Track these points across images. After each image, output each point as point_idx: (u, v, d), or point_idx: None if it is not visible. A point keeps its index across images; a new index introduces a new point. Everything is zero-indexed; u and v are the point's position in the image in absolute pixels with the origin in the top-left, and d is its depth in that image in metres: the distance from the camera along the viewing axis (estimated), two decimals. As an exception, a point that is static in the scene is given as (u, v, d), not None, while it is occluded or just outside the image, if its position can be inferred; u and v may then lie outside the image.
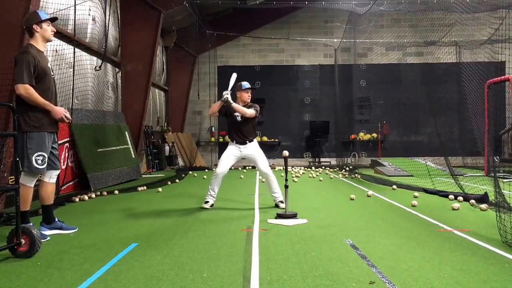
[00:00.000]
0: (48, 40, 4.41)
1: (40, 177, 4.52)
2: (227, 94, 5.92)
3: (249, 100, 6.27)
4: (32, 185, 4.36)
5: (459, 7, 9.51)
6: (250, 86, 6.25)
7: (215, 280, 3.01)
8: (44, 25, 4.30)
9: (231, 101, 5.99)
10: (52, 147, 4.47)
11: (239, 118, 6.14)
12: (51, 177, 4.57)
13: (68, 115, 4.43)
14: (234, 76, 6.10)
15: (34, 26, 4.26)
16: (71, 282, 3.02)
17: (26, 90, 4.11)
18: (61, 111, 4.37)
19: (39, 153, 4.23)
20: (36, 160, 4.21)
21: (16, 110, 3.91)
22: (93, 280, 3.04)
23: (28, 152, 4.19)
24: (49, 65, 4.43)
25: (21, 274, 3.21)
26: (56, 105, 4.49)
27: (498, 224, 4.15)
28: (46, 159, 4.31)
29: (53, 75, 4.50)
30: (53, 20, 4.45)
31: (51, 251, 3.84)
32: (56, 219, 4.62)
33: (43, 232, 4.38)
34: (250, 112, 6.09)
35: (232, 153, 6.21)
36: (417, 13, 14.72)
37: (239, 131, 6.18)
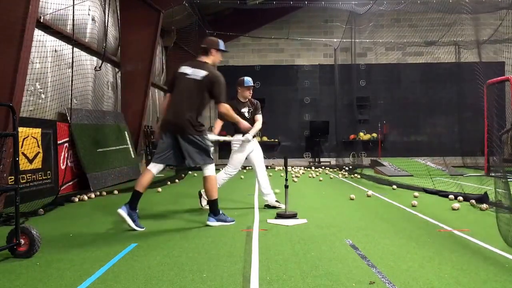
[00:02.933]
0: (214, 65, 5.13)
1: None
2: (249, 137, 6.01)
3: (250, 97, 6.17)
4: (215, 173, 5.03)
5: (458, 7, 9.51)
6: (252, 84, 6.14)
7: (215, 280, 3.01)
8: (219, 53, 5.12)
9: (248, 138, 6.00)
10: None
11: (247, 114, 6.13)
12: (156, 169, 4.90)
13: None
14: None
15: (213, 50, 5.05)
16: (71, 282, 3.02)
17: (227, 108, 4.99)
18: (247, 124, 5.50)
19: (212, 148, 5.00)
20: (212, 153, 4.97)
21: (196, 116, 4.77)
22: (92, 280, 3.03)
23: (209, 149, 4.89)
24: None
25: (20, 274, 3.21)
26: None
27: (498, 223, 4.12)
28: None
29: None
30: (225, 52, 5.32)
31: (51, 251, 3.83)
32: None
33: (120, 211, 4.65)
34: (261, 121, 6.18)
35: (246, 151, 6.11)
36: (417, 13, 14.73)
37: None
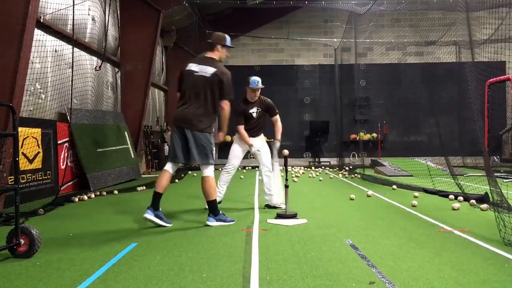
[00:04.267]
0: (221, 60, 5.07)
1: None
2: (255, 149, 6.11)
3: (256, 98, 6.13)
4: (213, 175, 4.98)
5: (459, 6, 9.48)
6: (257, 86, 6.06)
7: (214, 280, 3.01)
8: (225, 49, 5.07)
9: (277, 146, 6.23)
10: None
11: (255, 115, 6.15)
12: (173, 169, 5.02)
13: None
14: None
15: (218, 46, 5.01)
16: (71, 282, 3.02)
17: (228, 106, 4.93)
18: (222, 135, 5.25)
19: (214, 148, 5.02)
20: (214, 154, 4.98)
21: (205, 115, 4.80)
22: (92, 280, 3.03)
23: (212, 148, 4.90)
24: None
25: (20, 274, 3.21)
26: None
27: (499, 226, 4.13)
28: None
29: None
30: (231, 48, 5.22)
31: (51, 251, 3.83)
32: (220, 212, 5.04)
33: (147, 215, 4.75)
34: (279, 121, 6.29)
35: (241, 146, 6.17)
36: (417, 13, 14.72)
37: (253, 127, 6.15)
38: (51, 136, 7.58)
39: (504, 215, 4.23)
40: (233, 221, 5.04)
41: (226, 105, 4.90)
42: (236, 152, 6.17)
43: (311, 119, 17.27)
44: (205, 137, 4.86)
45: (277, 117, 6.28)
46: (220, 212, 5.03)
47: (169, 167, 4.97)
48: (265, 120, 6.34)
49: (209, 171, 4.93)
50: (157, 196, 4.86)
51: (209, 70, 4.84)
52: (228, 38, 5.12)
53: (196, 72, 4.88)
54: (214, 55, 5.01)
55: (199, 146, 4.84)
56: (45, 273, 3.21)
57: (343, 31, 16.14)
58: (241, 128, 6.09)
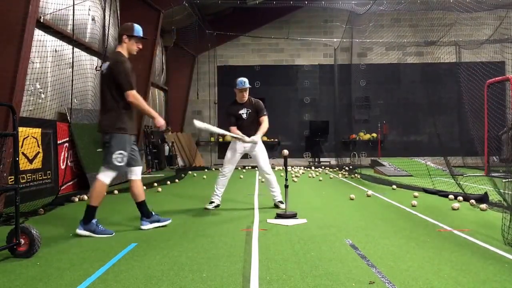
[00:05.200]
0: (131, 54, 4.63)
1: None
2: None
3: (245, 100, 6.11)
4: (108, 182, 4.57)
5: (459, 7, 9.49)
6: (244, 86, 6.02)
7: (214, 280, 3.01)
8: (133, 40, 4.59)
9: (255, 140, 6.00)
10: (132, 148, 4.67)
11: (244, 116, 6.11)
12: (136, 174, 4.79)
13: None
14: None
15: (124, 37, 4.57)
16: (71, 282, 3.02)
17: (135, 96, 4.45)
18: (163, 121, 4.72)
19: (120, 151, 4.46)
20: (116, 158, 4.44)
21: (105, 113, 4.42)
22: (92, 280, 3.03)
23: (111, 150, 4.43)
24: None
25: (20, 274, 3.21)
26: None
27: (503, 226, 4.10)
28: (125, 158, 4.53)
29: None
30: (142, 39, 4.71)
31: (51, 251, 3.83)
32: (153, 213, 4.86)
33: (144, 227, 4.66)
34: (267, 123, 6.13)
35: (236, 150, 6.15)
36: (417, 13, 14.73)
37: (245, 128, 6.08)
38: (51, 136, 7.58)
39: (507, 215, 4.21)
40: (108, 234, 4.45)
41: (130, 96, 4.41)
42: (231, 156, 6.16)
43: (311, 119, 17.28)
44: (110, 138, 4.43)
45: (265, 117, 6.15)
46: (94, 221, 4.46)
47: (129, 176, 4.78)
48: (258, 121, 6.22)
49: (103, 175, 4.48)
50: (141, 205, 4.78)
51: (106, 66, 4.49)
52: (136, 27, 4.60)
53: (103, 71, 4.54)
54: (121, 48, 4.57)
55: (105, 147, 4.47)
56: (45, 273, 3.21)
57: (343, 31, 16.15)
58: (233, 128, 6.06)
